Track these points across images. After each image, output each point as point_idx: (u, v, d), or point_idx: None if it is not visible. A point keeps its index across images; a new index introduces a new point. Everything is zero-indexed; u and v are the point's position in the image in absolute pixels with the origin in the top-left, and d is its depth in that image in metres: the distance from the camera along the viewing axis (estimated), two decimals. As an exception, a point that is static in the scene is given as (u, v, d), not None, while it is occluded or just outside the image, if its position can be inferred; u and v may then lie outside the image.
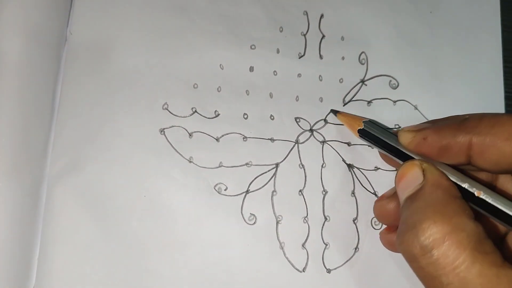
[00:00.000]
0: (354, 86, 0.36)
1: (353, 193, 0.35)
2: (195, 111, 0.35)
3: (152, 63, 0.35)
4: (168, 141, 0.34)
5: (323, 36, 0.37)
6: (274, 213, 0.34)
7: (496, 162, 0.26)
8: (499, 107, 0.37)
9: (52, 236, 0.32)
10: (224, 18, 0.36)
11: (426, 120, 0.35)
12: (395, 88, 0.36)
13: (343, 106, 0.36)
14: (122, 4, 0.36)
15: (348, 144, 0.35)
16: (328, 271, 0.33)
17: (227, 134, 0.35)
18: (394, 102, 0.36)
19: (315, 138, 0.35)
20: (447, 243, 0.23)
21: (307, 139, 0.35)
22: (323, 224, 0.34)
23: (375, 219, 0.34)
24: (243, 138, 0.35)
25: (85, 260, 0.32)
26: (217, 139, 0.35)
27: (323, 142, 0.35)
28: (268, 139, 0.35)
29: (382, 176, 0.35)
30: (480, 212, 0.27)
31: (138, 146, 0.34)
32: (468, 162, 0.27)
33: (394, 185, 0.33)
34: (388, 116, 0.36)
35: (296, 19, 0.37)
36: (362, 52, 0.37)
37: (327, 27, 0.37)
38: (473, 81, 0.37)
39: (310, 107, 0.36)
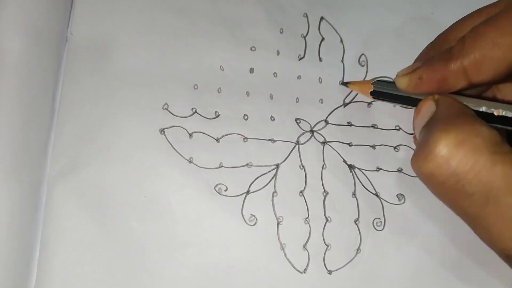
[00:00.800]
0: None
1: (354, 194, 0.34)
2: (195, 112, 0.35)
3: (152, 64, 0.35)
4: (168, 141, 0.34)
5: (323, 39, 0.37)
6: (275, 214, 0.34)
7: (494, 71, 0.26)
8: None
9: (52, 236, 0.32)
10: (225, 19, 0.36)
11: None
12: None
13: (344, 107, 0.36)
14: (122, 5, 0.36)
15: (350, 144, 0.35)
16: (329, 272, 0.33)
17: (228, 134, 0.35)
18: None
19: (316, 139, 0.35)
20: (463, 150, 0.22)
21: (307, 140, 0.35)
22: (324, 225, 0.34)
23: (376, 220, 0.34)
24: (244, 139, 0.35)
25: (85, 260, 0.32)
26: (217, 140, 0.35)
27: (324, 143, 0.35)
28: (269, 140, 0.35)
29: (384, 177, 0.35)
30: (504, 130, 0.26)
31: (138, 146, 0.34)
32: (470, 84, 0.27)
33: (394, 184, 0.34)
34: (388, 117, 0.36)
35: (296, 21, 0.37)
36: (362, 54, 0.37)
37: (326, 30, 0.37)
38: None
39: (311, 108, 0.36)
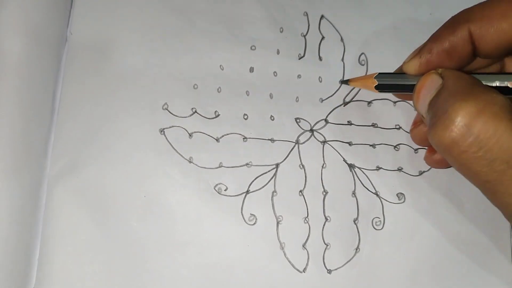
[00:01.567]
0: (354, 87, 0.36)
1: (353, 193, 0.34)
2: (195, 112, 0.35)
3: (152, 63, 0.35)
4: (168, 141, 0.34)
5: (323, 37, 0.37)
6: (275, 213, 0.34)
7: (498, 42, 0.26)
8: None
9: (52, 236, 0.32)
10: (224, 19, 0.36)
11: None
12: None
13: (344, 106, 0.36)
14: (122, 5, 0.36)
15: (349, 143, 0.35)
16: (329, 271, 0.33)
17: (227, 134, 0.35)
18: (394, 103, 0.36)
19: (316, 138, 0.35)
20: (483, 117, 0.22)
21: (307, 139, 0.35)
22: (324, 225, 0.34)
23: (376, 220, 0.34)
24: (243, 138, 0.35)
25: (84, 260, 0.32)
26: (217, 140, 0.35)
27: (324, 142, 0.35)
28: (268, 139, 0.35)
29: (384, 176, 0.35)
30: None
31: (138, 146, 0.34)
32: (477, 53, 0.27)
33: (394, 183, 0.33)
34: (388, 116, 0.36)
35: (296, 20, 0.37)
36: (362, 53, 0.37)
37: (327, 28, 0.37)
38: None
39: (310, 107, 0.36)
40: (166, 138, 0.34)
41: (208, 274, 0.32)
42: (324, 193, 0.34)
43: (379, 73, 0.32)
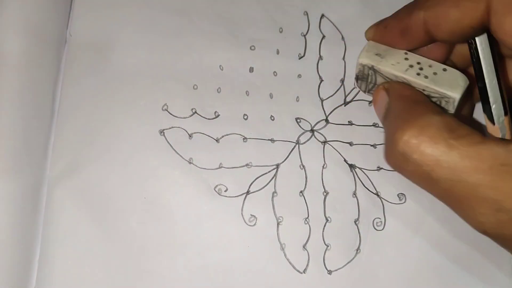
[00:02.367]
0: (355, 86, 0.36)
1: (354, 193, 0.34)
2: (195, 112, 0.35)
3: (151, 64, 0.35)
4: (168, 142, 0.34)
5: (324, 37, 0.37)
6: (275, 214, 0.34)
7: (450, 30, 0.27)
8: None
9: (53, 237, 0.32)
10: (224, 19, 0.36)
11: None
12: None
13: (344, 106, 0.36)
14: (122, 5, 0.36)
15: (350, 144, 0.35)
16: (329, 272, 0.33)
17: (227, 135, 0.35)
18: (396, 102, 0.36)
19: (316, 139, 0.35)
20: (422, 143, 0.24)
21: (308, 140, 0.35)
22: (324, 225, 0.34)
23: (377, 220, 0.34)
24: (243, 139, 0.35)
25: (85, 261, 0.32)
26: (217, 140, 0.34)
27: (324, 142, 0.35)
28: (269, 139, 0.35)
29: (385, 176, 0.35)
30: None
31: (138, 147, 0.34)
32: (431, 39, 0.28)
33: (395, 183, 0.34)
34: (390, 116, 0.36)
35: (296, 19, 0.37)
36: (363, 52, 0.37)
37: (327, 27, 0.37)
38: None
39: (311, 107, 0.36)
40: (166, 139, 0.34)
41: (208, 275, 0.32)
42: (325, 193, 0.34)
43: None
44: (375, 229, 0.34)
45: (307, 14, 0.37)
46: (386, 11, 0.37)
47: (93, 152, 0.34)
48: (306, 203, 0.34)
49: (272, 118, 0.35)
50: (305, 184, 0.34)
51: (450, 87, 0.28)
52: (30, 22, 0.33)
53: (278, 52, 0.36)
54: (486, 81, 0.28)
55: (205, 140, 0.34)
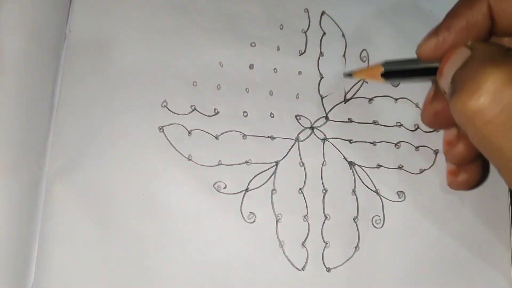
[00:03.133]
0: (356, 84, 0.36)
1: (353, 191, 0.34)
2: (195, 109, 0.35)
3: (151, 61, 0.35)
4: (167, 139, 0.34)
5: (324, 33, 0.37)
6: (274, 211, 0.34)
7: None
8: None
9: (51, 235, 0.32)
10: (224, 16, 0.36)
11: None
12: (396, 86, 0.36)
13: (344, 103, 0.36)
14: (121, 2, 0.36)
15: (350, 141, 0.35)
16: (328, 270, 0.33)
17: (227, 132, 0.35)
18: (396, 100, 0.36)
19: (316, 136, 0.35)
20: None
21: (307, 137, 0.35)
22: (323, 223, 0.34)
23: (376, 218, 0.34)
24: (243, 136, 0.35)
25: (83, 258, 0.32)
26: (217, 137, 0.34)
27: (324, 139, 0.35)
28: (268, 137, 0.35)
29: (384, 174, 0.35)
30: None
31: (137, 144, 0.34)
32: (498, 29, 0.26)
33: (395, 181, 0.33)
34: (389, 113, 0.36)
35: (297, 16, 0.37)
36: (363, 50, 0.37)
37: (328, 24, 0.37)
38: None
39: (311, 104, 0.35)
40: (165, 135, 0.34)
41: (207, 272, 0.32)
42: (324, 191, 0.34)
43: (386, 61, 0.31)
44: (374, 226, 0.34)
45: (307, 11, 0.37)
46: (386, 8, 0.37)
47: (92, 149, 0.33)
48: (305, 200, 0.34)
49: (272, 115, 0.35)
50: (305, 181, 0.34)
51: None
52: (28, 19, 0.33)
53: (278, 49, 0.36)
54: None
55: (204, 137, 0.34)
